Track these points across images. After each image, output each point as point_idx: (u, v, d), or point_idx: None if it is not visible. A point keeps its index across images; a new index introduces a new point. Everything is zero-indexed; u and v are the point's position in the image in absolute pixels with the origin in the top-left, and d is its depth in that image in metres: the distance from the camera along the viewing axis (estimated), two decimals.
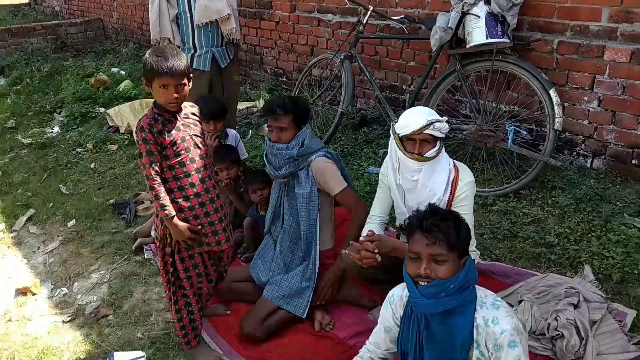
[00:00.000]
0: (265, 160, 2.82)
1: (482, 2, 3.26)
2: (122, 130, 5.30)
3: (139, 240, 3.44)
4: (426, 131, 2.24)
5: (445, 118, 2.31)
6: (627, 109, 3.11)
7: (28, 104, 6.33)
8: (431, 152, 2.29)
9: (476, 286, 1.75)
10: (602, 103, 3.21)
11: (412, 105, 3.87)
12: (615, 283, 2.62)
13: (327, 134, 4.11)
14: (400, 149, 2.34)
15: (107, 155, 4.89)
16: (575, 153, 3.43)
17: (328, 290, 2.63)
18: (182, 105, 2.27)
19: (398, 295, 1.89)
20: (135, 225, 3.72)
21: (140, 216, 3.83)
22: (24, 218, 3.93)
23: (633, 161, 3.17)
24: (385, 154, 3.85)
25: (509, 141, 3.30)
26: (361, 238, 2.25)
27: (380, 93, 4.02)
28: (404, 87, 4.36)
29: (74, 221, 3.82)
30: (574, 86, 3.31)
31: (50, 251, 3.54)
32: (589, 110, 3.29)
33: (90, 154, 4.93)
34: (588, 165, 3.38)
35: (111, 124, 5.45)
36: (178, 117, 2.24)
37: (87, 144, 5.09)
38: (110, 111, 5.49)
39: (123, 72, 7.27)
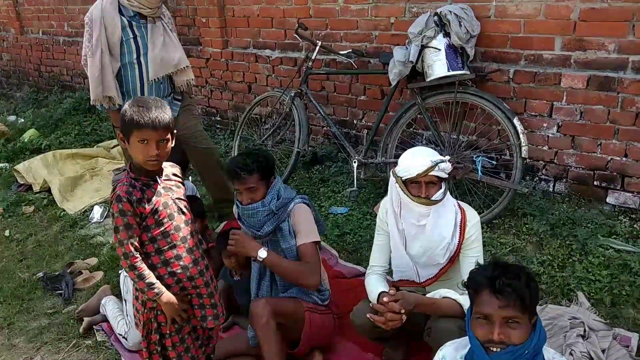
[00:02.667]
0: (240, 224, 2.56)
1: (441, 35, 3.24)
2: (36, 189, 4.66)
3: (86, 320, 2.96)
4: (431, 173, 2.11)
5: (447, 157, 2.20)
6: (586, 132, 3.22)
7: None
8: (438, 195, 2.17)
9: None
10: (561, 128, 3.30)
11: (372, 141, 3.76)
12: (609, 307, 2.63)
13: (284, 176, 3.87)
14: (405, 193, 2.18)
15: (23, 220, 4.24)
16: (537, 178, 3.49)
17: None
18: (162, 166, 1.96)
19: (451, 356, 1.70)
20: (76, 301, 3.20)
21: (79, 290, 3.31)
22: None
23: (595, 182, 3.28)
24: (352, 192, 3.74)
25: (478, 172, 3.28)
26: (384, 298, 2.04)
27: (336, 129, 3.87)
28: (355, 121, 4.25)
29: None
30: (533, 114, 3.38)
31: None
32: (548, 136, 3.37)
33: (2, 220, 4.25)
34: (550, 189, 3.45)
35: (22, 182, 4.78)
36: (158, 180, 1.93)
37: None
38: (19, 167, 4.82)
39: (23, 120, 6.49)
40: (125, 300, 2.85)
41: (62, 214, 4.24)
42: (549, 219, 3.19)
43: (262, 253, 2.34)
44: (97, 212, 4.16)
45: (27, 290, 3.31)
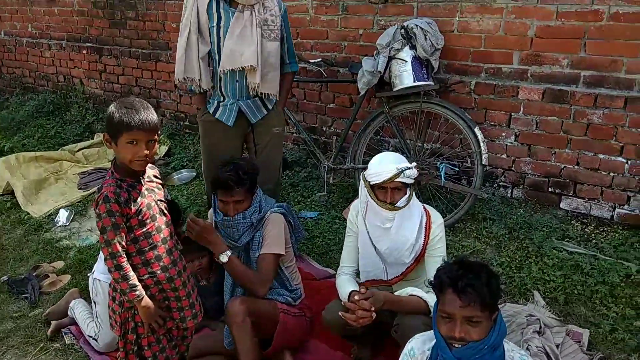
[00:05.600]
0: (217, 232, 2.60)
1: (408, 47, 3.39)
2: None
3: (54, 323, 2.93)
4: (397, 179, 2.23)
5: (414, 164, 2.31)
6: (542, 142, 3.43)
7: None
8: (402, 201, 2.28)
9: None
10: (519, 138, 3.50)
11: (341, 147, 3.87)
12: (562, 305, 2.81)
13: None
14: (372, 198, 2.29)
15: None
16: (496, 184, 3.68)
17: None
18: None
19: (419, 349, 1.81)
20: (42, 305, 3.16)
21: (46, 293, 3.27)
22: None
23: (549, 189, 3.48)
24: (321, 197, 3.84)
25: (442, 178, 3.44)
26: (355, 297, 2.14)
27: (307, 136, 3.97)
28: (324, 128, 4.36)
29: None
30: (492, 123, 3.57)
31: None
32: (507, 145, 3.56)
33: None
34: (509, 195, 3.64)
35: None
36: (142, 181, 1.97)
37: None
38: None
39: None
40: (94, 303, 2.84)
41: (26, 217, 4.17)
42: (507, 223, 3.37)
43: (224, 258, 2.39)
44: (62, 216, 4.12)
45: None
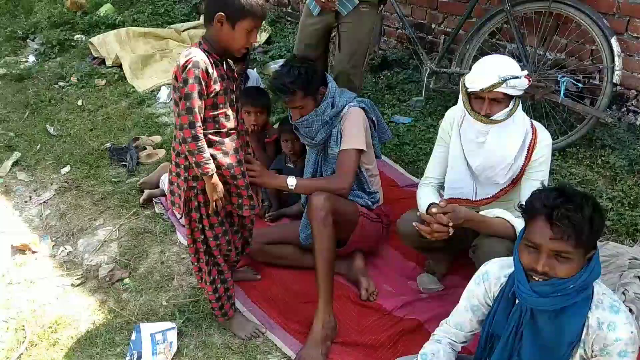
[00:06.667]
0: (296, 132, 2.54)
1: None
2: (108, 63, 4.75)
3: (146, 192, 3.10)
4: (498, 89, 1.92)
5: (525, 72, 1.97)
6: None
7: None
8: (500, 115, 1.98)
9: None
10: None
11: (448, 48, 3.51)
12: None
13: None
14: (465, 107, 2.02)
15: (95, 91, 4.37)
16: (625, 109, 3.19)
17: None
18: None
19: (494, 274, 1.65)
20: (139, 173, 3.35)
21: (142, 163, 3.45)
22: (9, 162, 3.49)
23: None
24: (418, 102, 3.58)
25: (561, 94, 3.02)
26: (433, 209, 1.98)
27: (412, 32, 3.62)
28: (433, 25, 3.96)
29: (68, 167, 3.42)
30: (635, 35, 3.01)
31: (44, 202, 3.17)
32: None
33: (76, 89, 4.40)
34: (638, 122, 3.15)
35: (96, 55, 4.87)
36: (224, 64, 1.88)
37: (71, 78, 4.55)
38: (94, 40, 4.90)
39: None
40: None
41: (131, 90, 4.34)
42: (629, 154, 2.95)
43: (292, 181, 2.28)
44: (164, 93, 4.23)
45: (95, 158, 3.49)
